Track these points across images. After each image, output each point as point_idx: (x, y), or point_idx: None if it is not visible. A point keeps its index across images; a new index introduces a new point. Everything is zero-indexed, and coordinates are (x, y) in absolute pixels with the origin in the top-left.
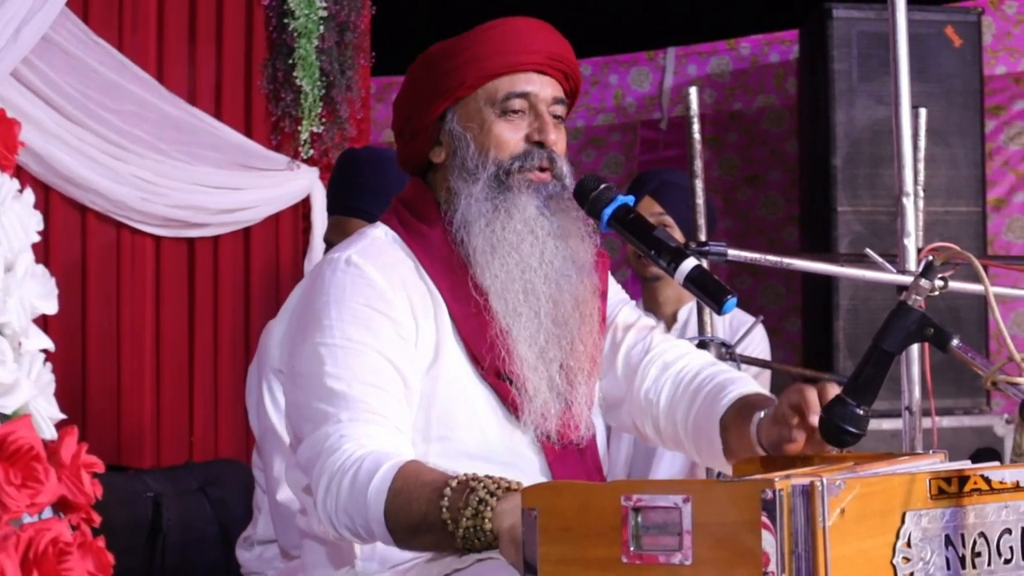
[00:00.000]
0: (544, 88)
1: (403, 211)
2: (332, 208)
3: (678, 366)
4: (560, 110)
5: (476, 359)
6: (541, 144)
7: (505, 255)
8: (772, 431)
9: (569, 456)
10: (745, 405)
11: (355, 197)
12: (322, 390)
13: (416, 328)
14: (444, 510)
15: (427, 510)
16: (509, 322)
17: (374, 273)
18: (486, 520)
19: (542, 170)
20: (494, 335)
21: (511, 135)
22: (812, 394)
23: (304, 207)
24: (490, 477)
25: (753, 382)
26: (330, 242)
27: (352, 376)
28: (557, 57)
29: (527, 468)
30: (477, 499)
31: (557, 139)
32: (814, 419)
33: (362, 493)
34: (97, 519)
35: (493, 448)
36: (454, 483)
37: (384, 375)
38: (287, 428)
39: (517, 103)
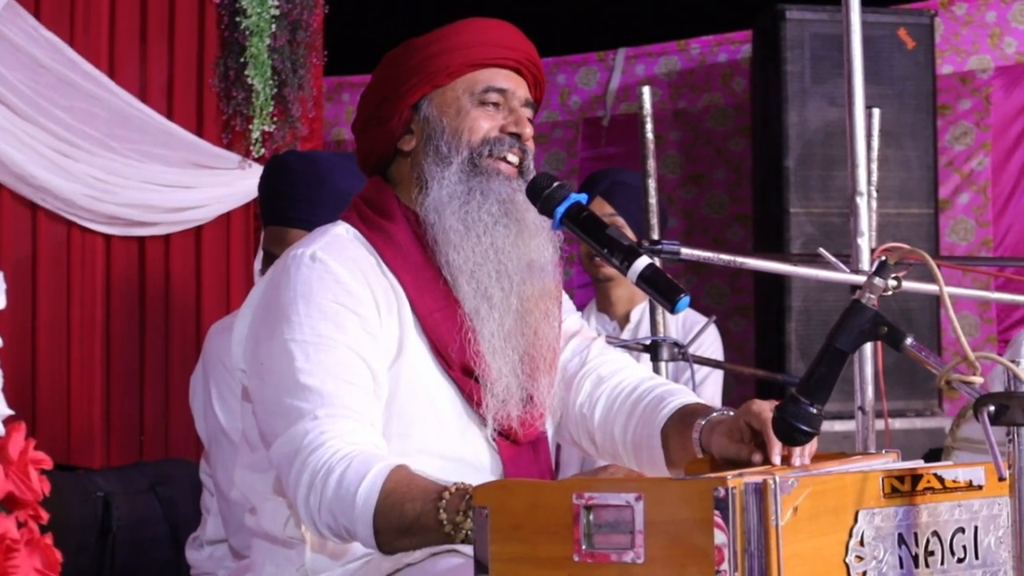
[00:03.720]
0: (520, 87)
1: (364, 208)
2: (269, 219)
3: (614, 380)
4: (529, 113)
5: (440, 353)
6: (516, 136)
7: (480, 234)
8: (728, 447)
9: (523, 455)
10: (686, 414)
11: (291, 207)
12: (294, 386)
13: (380, 324)
14: (441, 511)
15: (422, 512)
16: (477, 304)
17: (339, 269)
18: None
19: (509, 162)
20: (460, 320)
21: (487, 123)
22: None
23: (255, 206)
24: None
25: (692, 394)
26: (271, 253)
27: (324, 372)
28: (534, 62)
29: (481, 466)
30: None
31: (528, 136)
32: (775, 458)
33: (350, 493)
34: (45, 516)
35: (450, 445)
36: (452, 488)
37: (355, 371)
38: (247, 427)
39: (494, 96)
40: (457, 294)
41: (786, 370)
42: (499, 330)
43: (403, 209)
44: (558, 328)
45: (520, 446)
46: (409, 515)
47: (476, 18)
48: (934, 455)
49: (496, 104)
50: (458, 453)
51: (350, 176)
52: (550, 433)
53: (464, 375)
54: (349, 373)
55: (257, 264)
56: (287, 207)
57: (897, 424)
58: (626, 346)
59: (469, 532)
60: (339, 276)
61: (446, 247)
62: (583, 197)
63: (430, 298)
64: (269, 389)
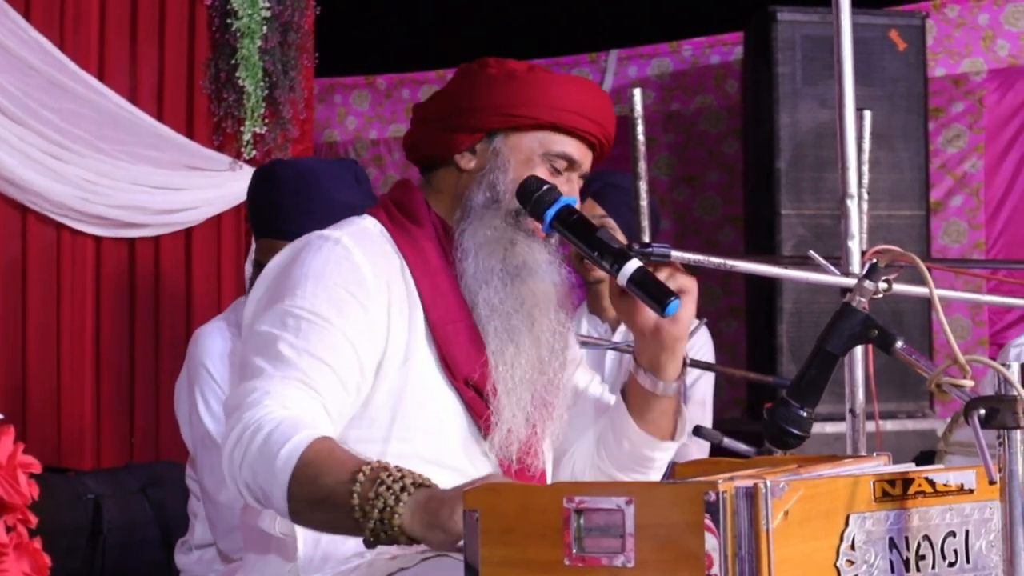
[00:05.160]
0: (586, 160)
1: (392, 208)
2: (261, 231)
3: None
4: (581, 183)
5: (447, 364)
6: None
7: (509, 283)
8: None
9: (521, 476)
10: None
11: (283, 219)
12: (271, 351)
13: (388, 325)
14: (355, 495)
15: (334, 489)
16: (502, 344)
17: (361, 259)
18: (395, 515)
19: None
20: (472, 347)
21: None
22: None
23: (246, 208)
24: (399, 470)
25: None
26: (261, 264)
27: (306, 348)
28: (608, 141)
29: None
30: (392, 495)
31: None
32: None
33: (272, 454)
34: (34, 520)
35: (450, 454)
36: (367, 470)
37: (340, 356)
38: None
39: (563, 163)
40: (480, 326)
41: (777, 372)
42: (517, 371)
43: (432, 216)
44: (570, 368)
45: (521, 468)
46: (323, 490)
47: (582, 80)
48: (926, 457)
49: (559, 171)
50: (457, 463)
51: (341, 185)
52: (550, 462)
53: (469, 388)
54: (331, 356)
55: (248, 272)
56: (279, 220)
57: (888, 426)
58: (617, 348)
59: (378, 521)
60: (358, 265)
61: (476, 284)
62: (573, 200)
63: (444, 309)
64: (250, 348)
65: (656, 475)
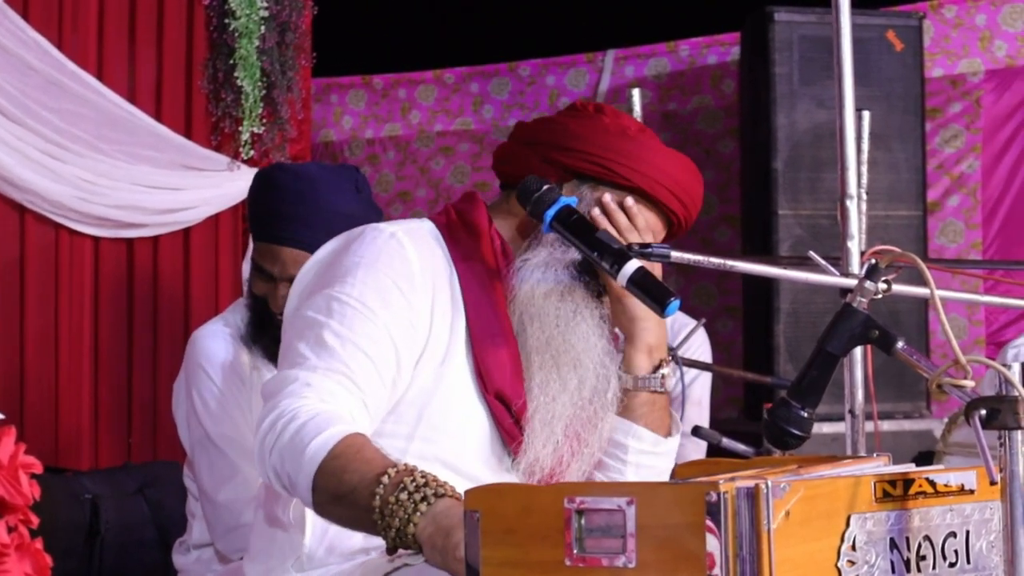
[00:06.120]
0: (660, 235)
1: (454, 217)
2: (260, 235)
3: None
4: None
5: (481, 376)
6: None
7: (563, 326)
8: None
9: None
10: None
11: (281, 226)
12: (315, 338)
13: (430, 324)
14: (376, 498)
15: (357, 486)
16: (542, 378)
17: (412, 255)
18: (411, 524)
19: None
20: (510, 367)
21: None
22: None
23: (244, 208)
24: (424, 476)
25: None
26: (261, 268)
27: (350, 337)
28: (687, 224)
29: None
30: (412, 503)
31: None
32: None
33: (303, 443)
34: (35, 521)
35: (472, 465)
36: (392, 472)
37: (381, 349)
38: None
39: None
40: (524, 354)
41: (774, 372)
42: (557, 406)
43: (492, 231)
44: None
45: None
46: (346, 486)
47: (686, 160)
48: (924, 458)
49: None
50: (478, 474)
51: (340, 193)
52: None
53: (500, 403)
54: (373, 348)
55: (245, 270)
56: (281, 227)
57: (885, 426)
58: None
59: (397, 530)
60: (409, 261)
61: (528, 317)
62: (573, 200)
63: (488, 323)
64: (293, 333)
65: (630, 470)
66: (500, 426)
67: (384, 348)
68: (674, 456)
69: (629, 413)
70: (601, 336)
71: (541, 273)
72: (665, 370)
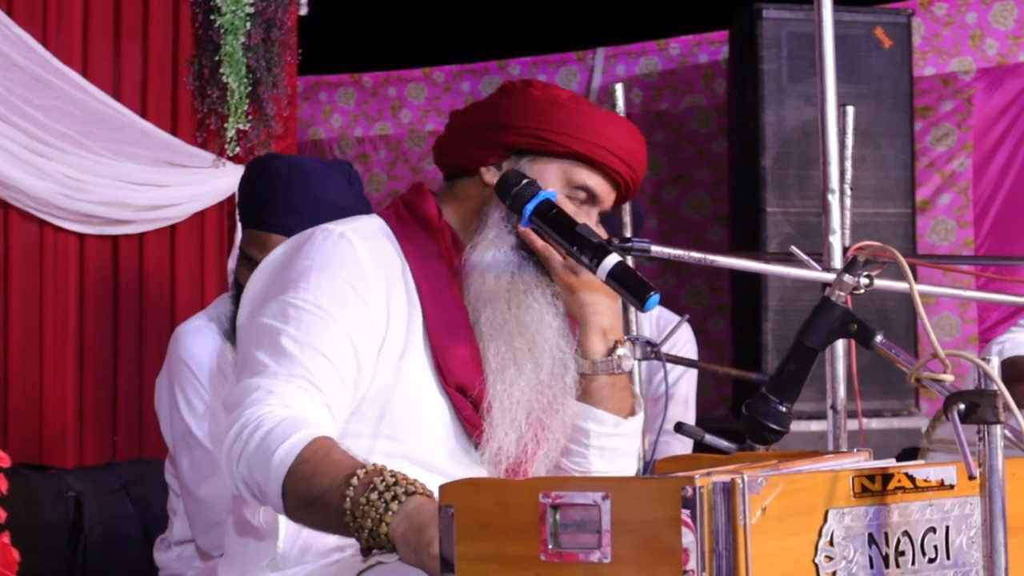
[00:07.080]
0: (609, 198)
1: (403, 211)
2: (250, 222)
3: None
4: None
5: (440, 370)
6: None
7: (515, 307)
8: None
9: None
10: None
11: (274, 213)
12: (273, 345)
13: (387, 321)
14: (347, 500)
15: (327, 490)
16: (504, 364)
17: (364, 254)
18: (383, 524)
19: None
20: (469, 358)
21: None
22: None
23: (230, 205)
24: (393, 475)
25: None
26: (248, 255)
27: (308, 342)
28: (635, 184)
29: None
30: (383, 503)
31: None
32: None
33: (269, 451)
34: (2, 515)
35: (439, 459)
36: (361, 474)
37: (340, 351)
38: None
39: (583, 195)
40: (481, 342)
41: (763, 369)
42: (515, 392)
43: (442, 223)
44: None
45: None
46: (315, 490)
47: (621, 119)
48: (908, 454)
49: (579, 201)
50: (445, 468)
51: (332, 184)
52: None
53: (461, 396)
54: (332, 351)
55: (232, 264)
56: (270, 213)
57: (874, 424)
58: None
59: (369, 531)
60: (361, 260)
61: (481, 303)
62: (552, 194)
63: (444, 315)
64: (251, 342)
65: (594, 454)
66: (462, 418)
67: (343, 350)
68: (639, 435)
69: (588, 397)
70: (555, 315)
71: (491, 256)
72: (621, 350)
